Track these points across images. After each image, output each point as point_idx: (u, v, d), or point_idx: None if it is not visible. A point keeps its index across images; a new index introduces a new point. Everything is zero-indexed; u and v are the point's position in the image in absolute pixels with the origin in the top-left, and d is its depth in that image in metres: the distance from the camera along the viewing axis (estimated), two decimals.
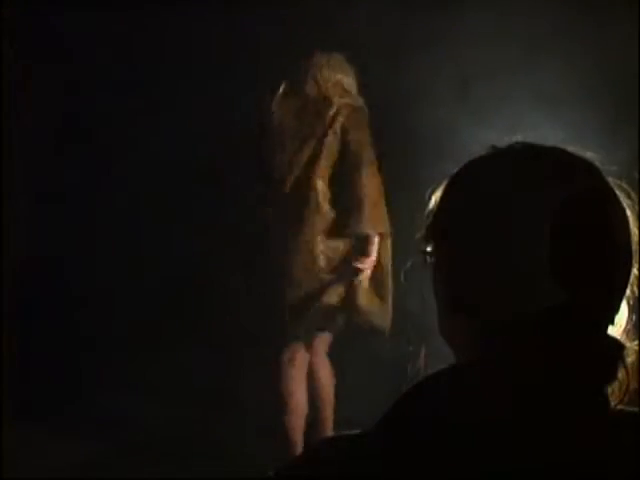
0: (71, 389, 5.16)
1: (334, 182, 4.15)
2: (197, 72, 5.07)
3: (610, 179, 1.05)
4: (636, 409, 1.05)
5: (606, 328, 1.04)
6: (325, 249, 4.13)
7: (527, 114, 4.12)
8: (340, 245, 4.14)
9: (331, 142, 4.12)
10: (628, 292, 1.05)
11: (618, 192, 1.05)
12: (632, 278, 1.05)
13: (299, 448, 4.23)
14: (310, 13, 4.78)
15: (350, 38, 4.50)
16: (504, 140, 1.08)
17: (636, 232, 1.05)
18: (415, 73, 4.59)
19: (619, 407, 1.03)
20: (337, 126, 4.12)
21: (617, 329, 1.05)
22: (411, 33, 4.62)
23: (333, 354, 4.56)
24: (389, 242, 4.20)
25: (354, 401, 4.27)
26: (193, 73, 5.08)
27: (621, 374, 1.03)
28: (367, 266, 4.12)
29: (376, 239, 4.12)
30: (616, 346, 1.03)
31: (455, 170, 1.09)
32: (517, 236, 1.00)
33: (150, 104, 5.03)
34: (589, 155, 1.06)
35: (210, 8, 4.98)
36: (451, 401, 0.99)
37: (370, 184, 4.11)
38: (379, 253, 4.14)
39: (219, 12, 4.97)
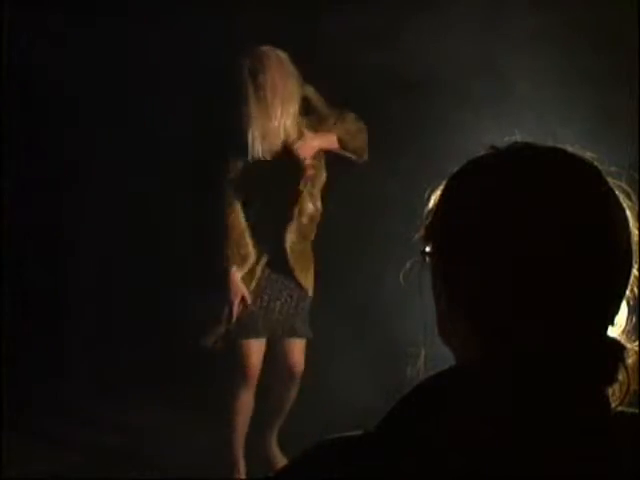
0: (71, 390, 5.17)
1: None
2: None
3: (610, 180, 1.05)
4: (636, 411, 1.05)
5: (606, 329, 1.04)
6: None
7: (526, 114, 4.12)
8: None
9: None
10: (628, 293, 1.05)
11: (618, 193, 1.05)
12: (632, 279, 1.05)
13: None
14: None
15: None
16: (504, 140, 1.08)
17: (636, 232, 1.05)
18: (412, 71, 4.60)
19: (619, 409, 1.03)
20: None
21: (617, 330, 1.05)
22: (406, 30, 4.62)
23: (334, 356, 4.57)
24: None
25: (354, 403, 4.28)
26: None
27: (621, 375, 1.03)
28: None
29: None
30: (616, 347, 1.03)
31: (454, 170, 1.09)
32: (517, 236, 1.00)
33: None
34: (589, 155, 1.06)
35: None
36: (451, 403, 0.99)
37: None
38: None
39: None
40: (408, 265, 1.13)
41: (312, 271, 4.37)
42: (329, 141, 4.30)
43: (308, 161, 4.22)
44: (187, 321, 4.86)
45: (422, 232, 1.09)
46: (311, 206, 4.29)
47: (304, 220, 4.26)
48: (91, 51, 5.10)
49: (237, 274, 4.21)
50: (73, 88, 5.20)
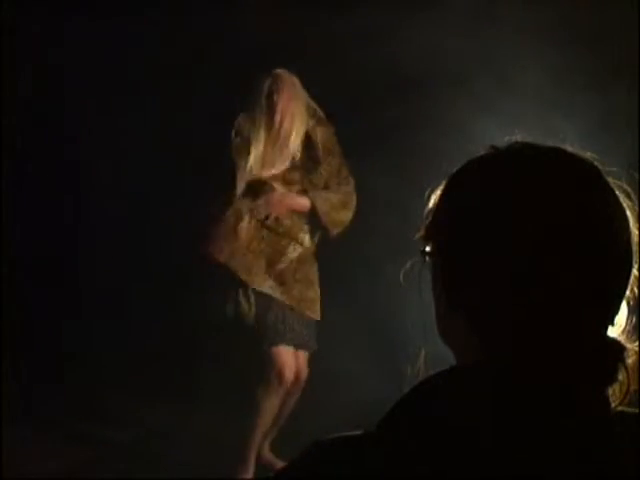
0: (71, 390, 5.16)
1: None
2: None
3: (610, 179, 1.05)
4: (636, 410, 1.05)
5: (606, 329, 1.04)
6: None
7: (526, 114, 4.12)
8: None
9: None
10: (628, 293, 1.05)
11: (618, 193, 1.05)
12: (632, 279, 1.05)
13: None
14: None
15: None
16: (504, 140, 1.08)
17: (636, 232, 1.05)
18: (411, 68, 4.60)
19: (620, 408, 1.03)
20: None
21: (617, 330, 1.05)
22: (403, 27, 4.62)
23: (335, 354, 4.56)
24: None
25: (353, 401, 4.28)
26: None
27: (622, 375, 1.02)
28: None
29: None
30: (616, 347, 1.03)
31: (454, 170, 1.08)
32: (517, 237, 1.00)
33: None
34: (589, 155, 1.06)
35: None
36: (451, 403, 0.98)
37: None
38: None
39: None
40: (408, 265, 1.13)
41: (318, 303, 4.39)
42: (300, 205, 4.32)
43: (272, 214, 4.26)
44: (188, 321, 4.86)
45: (422, 232, 1.09)
46: (296, 248, 4.33)
47: (281, 266, 4.30)
48: (91, 50, 5.10)
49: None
50: (73, 88, 5.20)
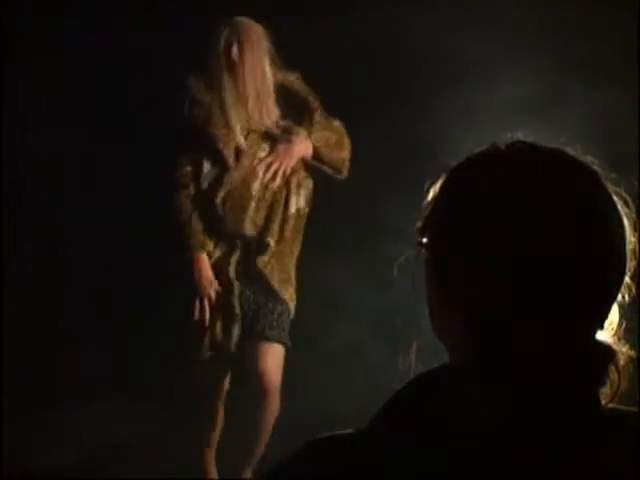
0: (70, 389, 5.17)
1: None
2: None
3: (609, 185, 1.05)
4: (629, 408, 1.05)
5: (595, 332, 1.04)
6: None
7: (525, 114, 4.12)
8: None
9: None
10: (619, 298, 1.05)
11: (616, 199, 1.05)
12: (624, 285, 1.05)
13: None
14: None
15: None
16: (503, 138, 1.08)
17: (631, 240, 1.05)
18: (410, 67, 4.61)
19: (611, 405, 1.04)
20: None
21: (609, 333, 1.05)
22: (404, 27, 4.62)
23: (327, 348, 4.57)
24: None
25: (347, 398, 4.28)
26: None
27: (613, 375, 1.03)
28: None
29: None
30: (608, 349, 1.04)
31: (454, 166, 1.08)
32: (514, 235, 1.00)
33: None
34: (588, 159, 1.06)
35: None
36: (448, 402, 0.98)
37: None
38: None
39: None
40: (402, 258, 1.13)
41: (293, 284, 4.08)
42: (308, 151, 3.95)
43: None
44: (187, 320, 4.86)
45: (419, 224, 1.08)
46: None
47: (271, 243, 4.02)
48: (91, 51, 5.11)
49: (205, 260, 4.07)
50: (73, 88, 5.21)
